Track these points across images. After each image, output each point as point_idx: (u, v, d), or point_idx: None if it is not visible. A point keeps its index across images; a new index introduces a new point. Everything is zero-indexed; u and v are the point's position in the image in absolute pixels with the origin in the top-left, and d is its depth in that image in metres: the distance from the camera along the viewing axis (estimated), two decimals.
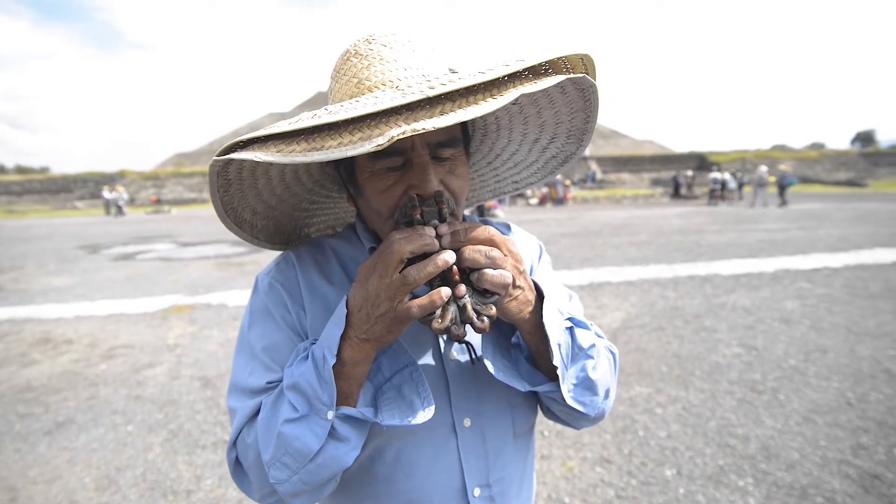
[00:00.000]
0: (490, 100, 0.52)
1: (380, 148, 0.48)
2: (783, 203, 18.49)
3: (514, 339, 0.78)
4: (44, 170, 57.76)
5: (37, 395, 3.59)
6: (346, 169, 0.74)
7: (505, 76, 0.55)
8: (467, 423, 0.74)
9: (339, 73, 0.69)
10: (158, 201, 32.95)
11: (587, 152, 38.98)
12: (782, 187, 18.92)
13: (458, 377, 0.75)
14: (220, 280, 7.57)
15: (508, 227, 0.93)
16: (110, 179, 36.24)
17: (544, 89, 0.61)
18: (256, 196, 0.75)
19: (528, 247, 0.92)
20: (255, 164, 0.65)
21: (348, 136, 0.52)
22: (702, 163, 35.04)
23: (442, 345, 0.76)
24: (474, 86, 0.54)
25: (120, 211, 26.10)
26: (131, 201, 32.51)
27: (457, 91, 0.53)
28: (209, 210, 28.22)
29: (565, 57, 0.61)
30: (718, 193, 21.79)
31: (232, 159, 0.58)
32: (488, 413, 0.76)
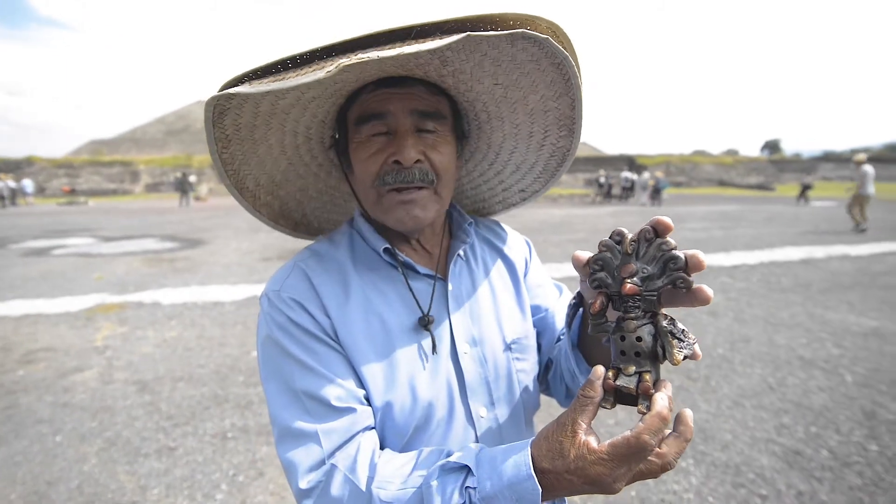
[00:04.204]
0: (437, 40, 0.54)
1: (330, 74, 0.51)
2: (658, 202, 22.09)
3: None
4: None
5: None
6: (342, 151, 0.78)
7: (458, 21, 0.57)
8: (483, 412, 0.76)
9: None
10: (73, 191, 30.24)
11: None
12: (657, 190, 22.37)
13: (472, 369, 0.76)
14: (151, 277, 7.10)
15: (502, 228, 0.97)
16: (16, 167, 32.82)
17: (516, 59, 0.66)
18: (259, 165, 0.77)
19: (520, 246, 0.96)
20: (253, 124, 0.69)
21: (307, 68, 0.57)
22: (631, 164, 36.99)
23: (454, 336, 0.77)
24: (427, 28, 0.57)
25: None
26: (41, 191, 29.66)
27: (407, 33, 0.57)
28: (132, 203, 26.29)
29: (533, 18, 0.60)
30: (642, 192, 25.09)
31: (227, 106, 0.63)
32: (501, 402, 0.78)
